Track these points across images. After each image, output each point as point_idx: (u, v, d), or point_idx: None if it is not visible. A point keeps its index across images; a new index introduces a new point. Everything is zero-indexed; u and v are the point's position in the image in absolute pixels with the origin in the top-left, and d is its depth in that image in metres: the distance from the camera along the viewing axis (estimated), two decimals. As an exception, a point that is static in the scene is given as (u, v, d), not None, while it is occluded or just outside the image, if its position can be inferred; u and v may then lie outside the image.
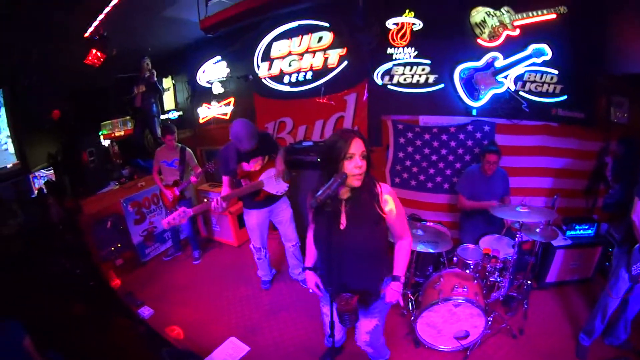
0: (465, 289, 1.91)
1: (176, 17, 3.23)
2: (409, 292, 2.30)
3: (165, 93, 4.57)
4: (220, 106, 3.93)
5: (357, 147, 1.14)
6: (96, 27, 3.01)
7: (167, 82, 4.55)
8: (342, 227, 1.24)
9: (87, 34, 3.04)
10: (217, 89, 3.96)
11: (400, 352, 2.03)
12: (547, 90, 2.74)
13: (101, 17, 2.89)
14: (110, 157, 4.59)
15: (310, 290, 1.48)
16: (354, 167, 1.14)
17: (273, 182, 2.28)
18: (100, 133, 4.72)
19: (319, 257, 1.45)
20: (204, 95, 4.08)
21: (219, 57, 3.83)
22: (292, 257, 2.61)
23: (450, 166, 2.84)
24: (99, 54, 3.15)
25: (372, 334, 1.51)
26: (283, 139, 3.41)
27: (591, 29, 2.71)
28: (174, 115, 4.52)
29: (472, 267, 2.16)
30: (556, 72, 2.72)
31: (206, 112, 4.07)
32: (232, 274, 3.00)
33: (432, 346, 2.05)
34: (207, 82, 3.99)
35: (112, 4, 2.74)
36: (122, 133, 4.64)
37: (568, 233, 2.55)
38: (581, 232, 2.56)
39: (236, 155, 2.20)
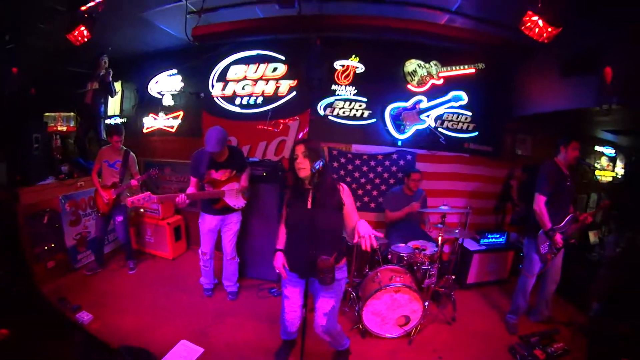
0: (401, 278, 2.68)
1: (152, 22, 3.71)
2: (350, 289, 2.97)
3: (112, 98, 4.89)
4: (168, 118, 4.54)
5: (299, 150, 1.89)
6: (98, 4, 3.13)
7: (117, 87, 4.90)
8: (308, 207, 1.89)
9: (84, 7, 3.13)
10: (168, 101, 4.60)
11: (352, 345, 2.51)
12: (462, 127, 3.98)
13: None
14: (52, 150, 4.50)
15: (277, 271, 2.02)
16: (298, 162, 1.89)
17: (234, 196, 2.86)
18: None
19: (289, 238, 2.01)
20: (151, 105, 4.66)
21: (175, 71, 4.51)
22: (228, 270, 3.16)
23: (377, 188, 3.84)
24: (85, 32, 3.22)
25: (329, 315, 2.02)
26: None
27: (501, 81, 4.07)
28: (118, 121, 4.92)
29: (405, 259, 2.92)
30: (470, 113, 3.98)
31: (152, 122, 4.62)
32: (171, 283, 3.34)
33: (378, 334, 2.68)
34: (159, 92, 4.61)
35: None
36: (64, 129, 4.76)
37: (482, 241, 3.65)
38: (493, 240, 3.70)
39: (208, 162, 2.74)
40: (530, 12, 2.58)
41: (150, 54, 4.62)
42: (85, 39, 3.26)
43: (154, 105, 4.68)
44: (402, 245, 3.10)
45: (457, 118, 3.95)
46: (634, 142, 5.14)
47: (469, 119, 3.98)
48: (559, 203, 2.82)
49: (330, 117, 3.85)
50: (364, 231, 1.69)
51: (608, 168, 5.53)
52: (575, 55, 3.14)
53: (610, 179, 5.43)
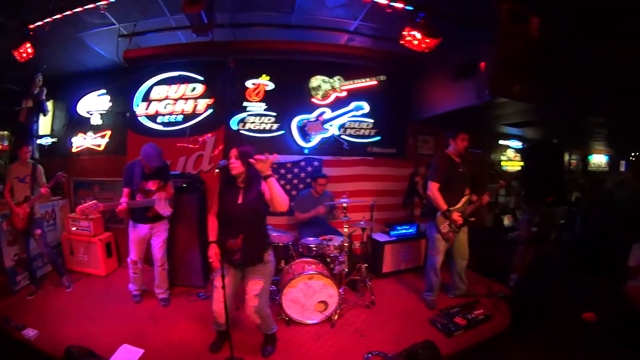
0: (313, 266, 3.24)
1: (85, 42, 4.20)
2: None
3: (43, 118, 5.34)
4: (96, 137, 5.19)
5: (232, 153, 2.43)
6: (45, 24, 3.53)
7: (49, 106, 5.34)
8: (239, 201, 2.44)
9: (33, 25, 3.53)
10: (96, 120, 5.25)
11: (278, 333, 2.92)
12: (364, 134, 4.97)
13: (58, 16, 3.47)
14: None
15: (210, 260, 2.46)
16: (231, 162, 2.42)
17: (162, 204, 3.48)
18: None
19: (221, 230, 2.46)
20: (81, 124, 5.26)
21: (103, 91, 5.16)
22: (158, 277, 3.65)
23: (288, 194, 4.60)
24: (29, 50, 3.59)
25: (260, 297, 2.47)
26: None
27: (401, 90, 5.09)
28: (48, 141, 5.42)
29: (314, 249, 3.53)
30: (372, 120, 4.98)
31: (81, 141, 5.23)
32: (107, 296, 3.81)
33: (301, 320, 3.17)
34: (88, 112, 5.25)
35: (76, 9, 3.41)
36: (-1, 148, 5.01)
37: (392, 232, 4.51)
38: (403, 231, 4.57)
39: (140, 173, 3.34)
40: (408, 28, 3.27)
41: (81, 73, 5.20)
42: (30, 56, 3.70)
43: (82, 124, 5.29)
44: (311, 238, 3.78)
45: (359, 125, 4.94)
46: (532, 132, 6.39)
47: (370, 126, 4.99)
48: (454, 188, 3.55)
49: (242, 132, 4.72)
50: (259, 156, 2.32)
51: (515, 159, 6.81)
52: (464, 60, 3.86)
53: (519, 168, 6.69)
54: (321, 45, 4.38)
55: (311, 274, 3.18)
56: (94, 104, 5.30)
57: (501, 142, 6.74)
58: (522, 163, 6.84)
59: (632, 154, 8.05)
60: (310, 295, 3.22)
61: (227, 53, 4.39)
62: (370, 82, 4.93)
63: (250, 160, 2.34)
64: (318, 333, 3.14)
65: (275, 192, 2.35)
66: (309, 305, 3.23)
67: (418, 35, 3.23)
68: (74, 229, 4.61)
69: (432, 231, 3.62)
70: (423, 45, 3.30)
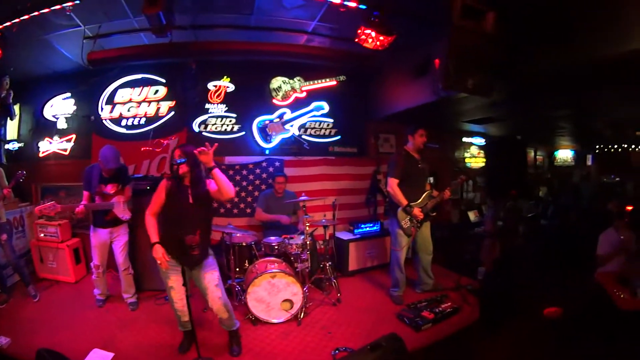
0: (275, 265, 3.28)
1: (52, 43, 4.16)
2: (234, 283, 3.59)
3: (10, 122, 5.35)
4: (62, 142, 5.18)
5: (176, 153, 2.50)
6: (13, 24, 3.51)
7: (16, 110, 5.31)
8: (190, 201, 2.50)
9: (1, 26, 3.51)
10: (62, 124, 5.24)
11: (245, 332, 3.00)
12: (324, 133, 5.08)
13: (25, 17, 3.44)
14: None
15: (159, 261, 2.48)
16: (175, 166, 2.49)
17: (121, 207, 3.50)
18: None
19: (166, 229, 2.51)
20: (47, 129, 5.24)
21: (69, 94, 5.16)
22: (124, 281, 3.67)
23: (250, 194, 4.79)
24: None
25: (220, 286, 2.58)
26: None
27: (361, 89, 5.20)
28: (15, 146, 5.38)
29: (276, 248, 3.58)
30: (332, 120, 5.09)
31: (47, 146, 5.21)
32: (77, 303, 3.80)
33: (267, 319, 3.19)
34: (54, 116, 5.23)
35: (43, 10, 3.38)
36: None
37: (356, 231, 4.62)
38: (367, 229, 4.68)
39: (99, 177, 3.39)
40: (363, 27, 3.32)
41: (47, 76, 5.16)
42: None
43: (49, 129, 5.26)
44: (273, 237, 3.81)
45: (319, 125, 5.05)
46: (495, 129, 6.55)
47: (330, 125, 5.11)
48: (413, 183, 3.61)
49: (204, 133, 4.78)
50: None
51: (479, 155, 6.98)
52: (422, 58, 3.90)
53: (483, 164, 6.86)
54: (280, 46, 4.46)
55: (274, 272, 3.22)
56: (60, 108, 5.29)
57: (465, 139, 6.90)
58: (485, 159, 7.03)
59: (597, 146, 8.29)
60: (275, 294, 3.26)
61: (189, 54, 4.46)
62: (330, 82, 5.03)
63: (195, 151, 2.42)
64: (285, 332, 3.18)
65: (221, 181, 2.44)
66: (274, 304, 3.27)
67: (372, 33, 3.28)
68: (42, 235, 4.54)
69: (393, 227, 3.66)
70: (377, 43, 3.35)
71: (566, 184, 8.28)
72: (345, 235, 4.66)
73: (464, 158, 6.98)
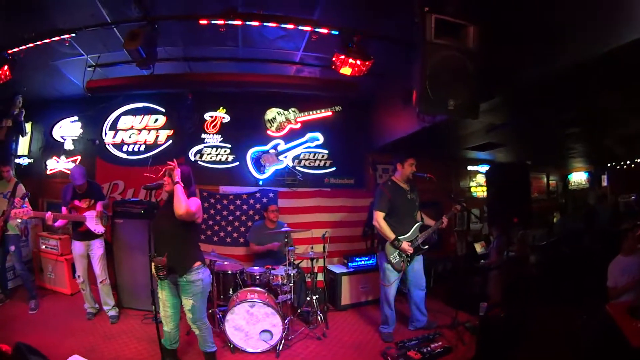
0: (256, 295, 3.20)
1: (60, 69, 4.38)
2: (216, 311, 3.46)
3: (22, 138, 5.56)
4: (68, 162, 5.28)
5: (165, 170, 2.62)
6: (23, 50, 3.67)
7: (27, 128, 5.52)
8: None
9: (10, 51, 3.68)
10: (69, 145, 5.35)
11: (222, 359, 3.01)
12: (319, 164, 4.90)
13: (39, 43, 3.58)
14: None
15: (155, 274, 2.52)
16: (164, 179, 2.62)
17: (93, 222, 3.65)
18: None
19: (156, 246, 2.55)
20: (55, 148, 5.38)
21: (76, 117, 5.28)
22: (102, 293, 3.76)
23: (244, 224, 4.69)
24: (7, 72, 3.74)
25: (192, 312, 2.59)
26: (114, 198, 4.87)
27: (357, 119, 4.97)
28: (25, 161, 5.56)
29: (258, 278, 3.49)
30: (327, 151, 4.91)
31: (54, 164, 5.35)
32: (69, 312, 3.91)
33: (244, 348, 3.13)
34: (62, 137, 5.37)
35: (55, 38, 3.51)
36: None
37: (350, 264, 4.40)
38: (362, 262, 4.45)
39: (72, 192, 3.64)
40: (337, 54, 3.16)
41: (57, 99, 5.35)
42: (8, 78, 3.83)
43: (57, 148, 5.40)
44: (256, 267, 3.72)
45: (314, 157, 4.88)
46: (503, 155, 6.09)
47: (325, 156, 4.92)
48: (402, 215, 3.40)
49: (199, 162, 4.72)
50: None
51: (484, 184, 6.53)
52: (409, 85, 3.67)
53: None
54: (270, 77, 4.33)
55: (253, 301, 3.15)
56: (68, 130, 5.41)
57: (470, 167, 6.48)
58: (486, 187, 6.58)
59: (609, 165, 7.63)
60: (253, 324, 3.17)
61: (183, 85, 4.45)
62: (326, 113, 4.85)
63: (165, 167, 2.57)
64: None
65: (177, 197, 2.47)
66: (253, 334, 3.18)
67: (349, 60, 3.12)
68: (43, 247, 4.71)
69: (382, 261, 3.46)
70: (355, 70, 3.18)
71: (580, 207, 7.67)
72: (338, 269, 4.48)
73: (469, 187, 6.56)
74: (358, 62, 3.13)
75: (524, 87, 2.86)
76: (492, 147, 5.52)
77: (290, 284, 3.46)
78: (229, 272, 3.68)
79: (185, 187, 2.59)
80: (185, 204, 2.47)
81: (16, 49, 3.77)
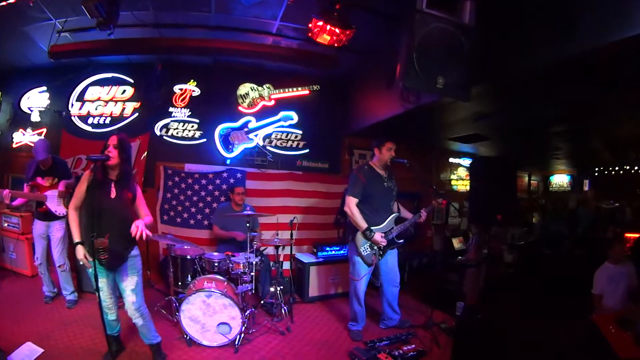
0: (213, 284, 2.89)
1: (30, 36, 4.06)
2: (173, 299, 3.26)
3: None
4: (34, 134, 4.96)
5: (111, 141, 2.28)
6: None
7: None
8: (112, 196, 2.27)
9: None
10: (35, 117, 5.02)
11: (177, 352, 2.75)
12: (291, 145, 4.61)
13: (3, 4, 3.22)
14: None
15: (81, 262, 2.29)
16: (108, 151, 2.27)
17: (55, 202, 3.35)
18: None
19: (85, 226, 2.27)
20: (22, 120, 5.04)
21: (44, 88, 4.95)
22: (61, 279, 3.58)
23: (209, 206, 4.39)
24: None
25: (136, 293, 2.38)
26: (77, 174, 4.45)
27: (336, 100, 4.68)
28: None
29: (216, 265, 3.17)
30: (300, 132, 4.62)
31: (21, 137, 5.00)
32: (28, 297, 3.67)
33: (200, 341, 2.84)
34: (29, 108, 5.03)
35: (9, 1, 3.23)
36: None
37: (320, 253, 4.09)
38: (333, 252, 4.12)
39: (35, 168, 3.35)
40: (314, 19, 2.84)
41: (27, 69, 5.00)
42: None
43: (24, 120, 5.06)
44: (216, 253, 3.42)
45: (286, 137, 4.59)
46: (486, 149, 5.84)
47: (299, 137, 4.64)
48: (377, 204, 3.07)
49: (165, 137, 4.43)
50: (138, 222, 2.24)
51: (467, 178, 6.27)
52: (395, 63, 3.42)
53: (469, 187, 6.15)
54: (243, 45, 3.93)
55: (210, 291, 2.85)
56: (35, 101, 5.07)
57: (452, 160, 6.21)
58: (469, 180, 6.32)
59: (596, 169, 7.43)
60: (210, 315, 2.88)
61: (151, 50, 4.13)
62: (302, 91, 4.57)
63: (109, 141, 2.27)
64: (218, 357, 2.79)
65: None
66: (210, 326, 2.88)
67: (327, 26, 2.82)
68: (5, 225, 4.41)
69: (352, 253, 3.13)
70: (333, 38, 2.86)
71: (561, 210, 7.46)
72: (306, 258, 4.17)
73: (450, 180, 6.29)
74: (337, 30, 2.81)
75: (521, 75, 2.56)
76: (477, 139, 5.26)
77: (252, 273, 3.14)
78: (188, 257, 3.37)
79: (128, 161, 2.38)
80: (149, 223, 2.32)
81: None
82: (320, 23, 2.80)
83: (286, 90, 4.54)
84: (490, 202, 4.36)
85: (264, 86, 4.53)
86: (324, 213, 4.73)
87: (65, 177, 3.56)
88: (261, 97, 4.52)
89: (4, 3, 3.40)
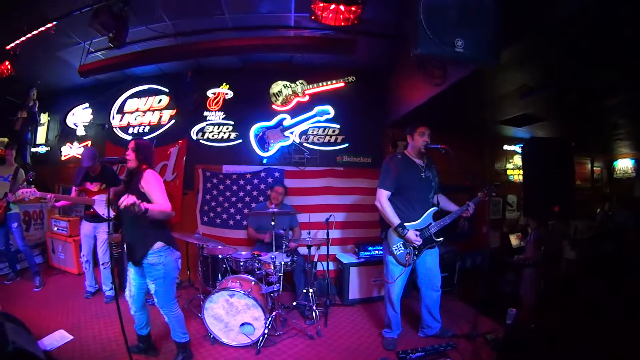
0: (238, 283, 2.74)
1: (67, 60, 4.30)
2: (201, 296, 3.18)
3: (40, 127, 5.66)
4: (80, 147, 5.12)
5: (130, 145, 2.31)
6: (18, 44, 3.78)
7: (44, 118, 5.64)
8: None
9: (9, 47, 3.82)
10: (81, 131, 5.18)
11: (200, 350, 2.71)
12: (329, 140, 4.23)
13: (29, 35, 3.62)
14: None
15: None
16: (127, 154, 2.30)
17: (103, 205, 3.40)
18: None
19: (123, 226, 2.33)
20: (69, 135, 5.28)
21: (87, 104, 5.13)
22: (103, 276, 3.64)
23: (247, 206, 4.11)
24: (9, 67, 3.94)
25: (157, 296, 2.31)
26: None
27: (374, 91, 4.24)
28: (43, 149, 5.59)
29: (242, 264, 3.03)
30: (338, 126, 4.24)
31: (68, 150, 5.24)
32: (71, 291, 3.85)
33: (222, 340, 2.74)
34: (74, 124, 5.24)
35: (41, 28, 3.50)
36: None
37: (361, 254, 3.67)
38: (376, 252, 3.65)
39: (83, 174, 3.47)
40: (316, 1, 2.61)
41: (69, 89, 5.30)
42: (11, 72, 4.01)
43: (70, 135, 5.30)
44: (244, 252, 3.25)
45: (323, 132, 4.21)
46: (543, 132, 5.02)
47: (337, 132, 4.24)
48: (412, 197, 2.63)
49: (201, 141, 4.25)
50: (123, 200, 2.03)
51: (521, 165, 5.47)
52: None
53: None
54: (263, 39, 3.55)
55: (233, 291, 2.70)
56: (79, 117, 5.28)
57: (506, 147, 5.46)
58: (522, 168, 5.52)
59: None
60: (233, 315, 2.74)
61: (175, 57, 3.93)
62: (337, 84, 4.19)
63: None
64: (239, 358, 2.65)
65: (154, 215, 2.14)
66: (233, 325, 2.75)
67: (331, 6, 2.57)
68: (55, 229, 4.69)
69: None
70: (340, 17, 2.59)
71: (625, 199, 6.36)
72: (347, 258, 3.76)
73: (506, 170, 5.53)
74: (341, 7, 2.52)
75: (562, 27, 1.99)
76: (529, 121, 4.51)
77: (280, 274, 2.90)
78: (219, 256, 3.20)
79: (146, 162, 2.32)
80: (164, 213, 2.20)
81: (12, 45, 3.82)
82: (322, 4, 2.58)
83: (320, 84, 4.19)
84: (546, 191, 3.64)
85: (297, 82, 4.21)
86: (368, 210, 4.23)
87: (114, 184, 3.52)
88: (295, 93, 4.19)
89: (29, 35, 3.67)
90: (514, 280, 3.72)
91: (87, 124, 5.11)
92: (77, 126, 5.21)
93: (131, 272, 2.39)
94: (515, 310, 2.96)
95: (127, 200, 1.96)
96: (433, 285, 2.73)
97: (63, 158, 5.30)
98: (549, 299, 3.27)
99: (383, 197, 2.61)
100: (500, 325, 2.85)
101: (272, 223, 2.99)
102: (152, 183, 2.23)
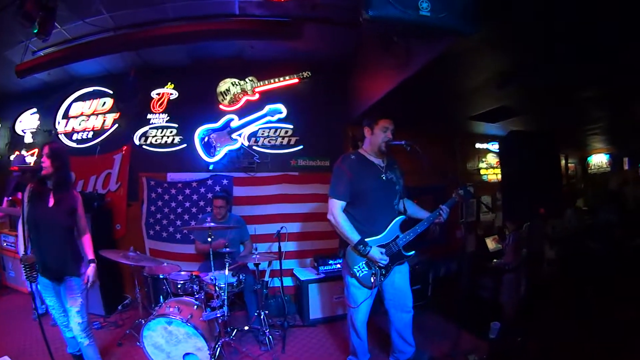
0: (177, 309, 2.34)
1: (13, 61, 3.76)
2: (142, 322, 2.72)
3: None
4: (27, 155, 4.63)
5: (44, 150, 2.08)
6: None
7: None
8: (50, 205, 2.04)
9: None
10: (28, 138, 4.70)
11: None
12: (282, 142, 3.80)
13: None
14: None
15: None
16: (42, 160, 2.07)
17: None
18: None
19: (32, 238, 2.03)
20: (18, 143, 4.76)
21: (35, 109, 4.65)
22: None
23: (194, 217, 3.67)
24: None
25: (81, 314, 2.11)
26: None
27: (332, 87, 3.80)
28: None
29: (179, 287, 2.65)
30: (291, 126, 3.82)
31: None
32: (16, 312, 3.52)
33: None
34: (22, 130, 4.75)
35: None
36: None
37: (321, 268, 3.27)
38: (337, 266, 3.22)
39: (15, 184, 3.03)
40: None
41: (18, 93, 4.75)
42: None
43: (20, 143, 4.77)
44: (183, 273, 2.81)
45: (275, 133, 3.80)
46: (513, 128, 4.58)
47: (289, 132, 3.83)
48: (373, 205, 2.09)
49: (144, 147, 3.83)
50: (91, 275, 2.14)
51: (497, 165, 5.06)
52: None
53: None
54: (209, 24, 3.10)
55: (170, 318, 2.31)
56: (27, 123, 4.77)
57: (478, 145, 5.04)
58: (500, 167, 5.10)
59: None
60: (174, 344, 2.37)
61: (117, 49, 3.49)
62: (291, 80, 3.76)
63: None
64: None
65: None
66: (175, 356, 2.39)
67: None
68: (4, 244, 4.27)
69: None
70: None
71: (602, 193, 5.99)
72: (305, 274, 3.33)
73: (479, 169, 5.11)
74: None
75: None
76: (504, 115, 4.00)
77: (224, 297, 2.47)
78: (160, 276, 2.80)
79: (62, 169, 2.10)
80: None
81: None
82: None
83: (272, 81, 3.77)
84: (529, 191, 3.18)
85: (247, 79, 3.78)
86: (325, 219, 3.78)
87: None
88: (244, 91, 3.76)
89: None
90: (493, 287, 3.32)
91: (35, 130, 4.60)
92: (25, 133, 4.70)
93: (53, 299, 2.16)
94: (499, 324, 2.64)
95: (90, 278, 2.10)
96: (404, 306, 2.20)
97: (11, 168, 4.81)
98: (533, 306, 2.93)
99: (336, 208, 2.06)
100: (483, 340, 2.54)
101: (209, 239, 2.57)
102: (81, 207, 2.18)
